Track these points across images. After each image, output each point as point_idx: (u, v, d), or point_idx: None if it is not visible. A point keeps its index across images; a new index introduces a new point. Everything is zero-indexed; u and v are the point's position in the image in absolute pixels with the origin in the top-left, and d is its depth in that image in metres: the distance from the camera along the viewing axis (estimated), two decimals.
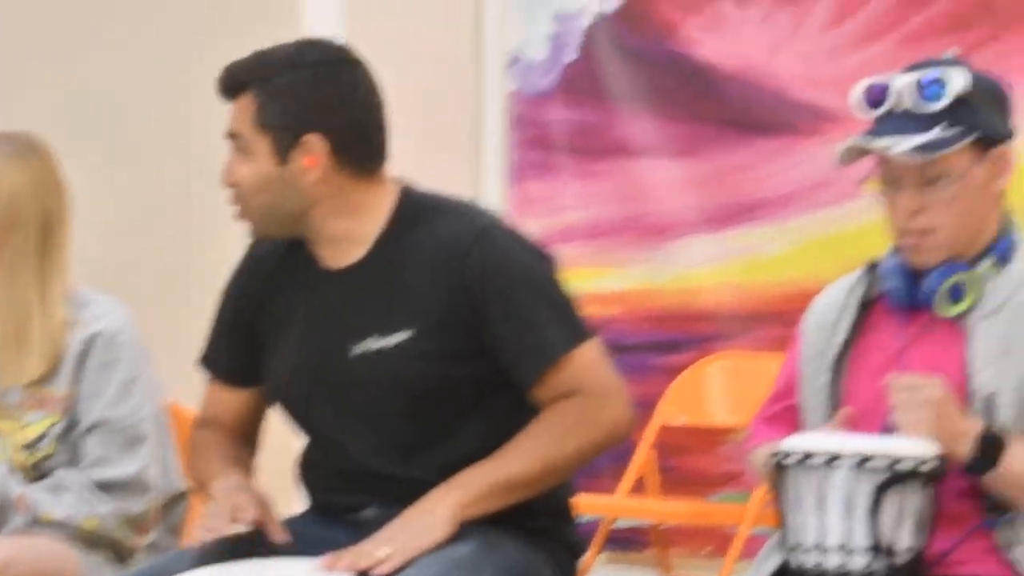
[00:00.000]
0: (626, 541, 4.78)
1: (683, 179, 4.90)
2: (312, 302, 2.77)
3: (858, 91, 2.62)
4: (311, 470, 2.83)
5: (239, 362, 2.86)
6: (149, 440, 3.09)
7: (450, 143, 5.22)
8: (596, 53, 5.00)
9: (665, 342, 4.91)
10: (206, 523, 2.64)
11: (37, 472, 3.06)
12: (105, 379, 3.07)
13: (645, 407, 4.50)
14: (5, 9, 4.97)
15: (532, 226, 5.10)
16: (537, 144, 5.14)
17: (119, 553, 3.06)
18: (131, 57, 4.96)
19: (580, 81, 5.03)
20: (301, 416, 2.80)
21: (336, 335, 2.72)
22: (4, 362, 3.07)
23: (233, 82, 2.73)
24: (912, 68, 2.60)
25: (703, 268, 4.89)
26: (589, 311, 4.83)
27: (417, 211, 2.75)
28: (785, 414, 2.70)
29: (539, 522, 2.74)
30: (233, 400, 2.87)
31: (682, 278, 4.89)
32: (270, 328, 2.81)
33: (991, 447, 2.42)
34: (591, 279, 4.98)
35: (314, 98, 2.70)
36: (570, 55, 5.05)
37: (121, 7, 5.00)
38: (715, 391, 4.67)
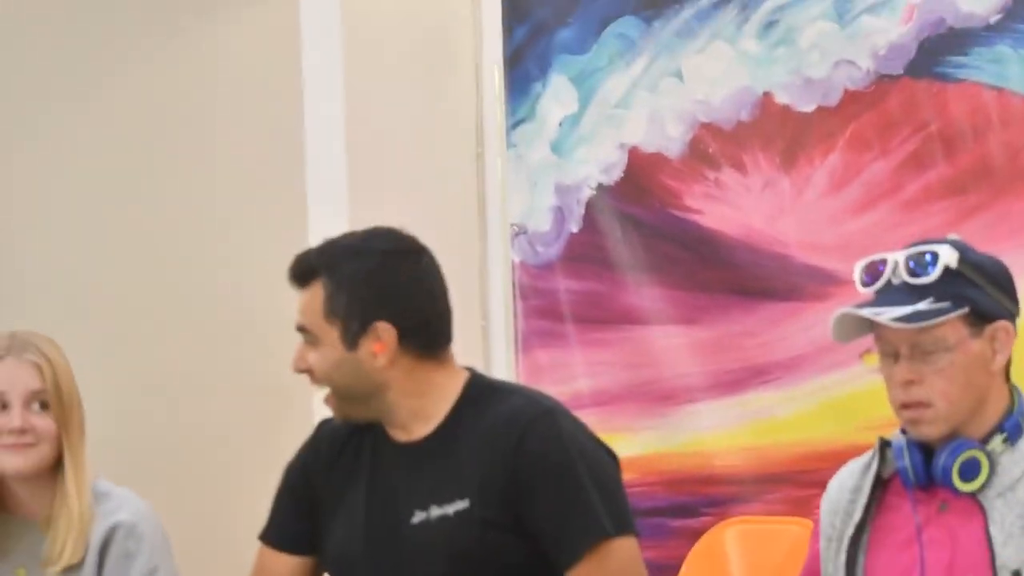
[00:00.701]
0: None
1: (690, 345, 4.94)
2: (376, 473, 2.84)
3: (859, 267, 2.69)
4: None
5: (295, 530, 2.92)
6: None
7: (458, 314, 5.23)
8: (599, 223, 5.07)
9: (681, 505, 4.92)
10: None
11: None
12: (126, 570, 3.10)
13: (666, 570, 4.54)
14: None
15: None
16: (544, 313, 5.19)
17: None
18: None
19: (584, 251, 5.08)
20: None
21: (398, 503, 2.79)
22: (62, 544, 3.10)
23: (303, 270, 2.84)
24: (911, 245, 2.66)
25: (715, 432, 4.91)
26: None
27: (485, 392, 2.85)
28: None
29: None
30: (285, 567, 2.91)
31: (694, 442, 4.92)
32: (331, 497, 2.87)
33: None
34: None
35: (381, 287, 2.80)
36: (573, 226, 5.11)
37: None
38: (733, 555, 4.68)
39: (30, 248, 4.92)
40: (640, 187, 4.99)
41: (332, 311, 2.80)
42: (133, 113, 5.00)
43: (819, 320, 4.72)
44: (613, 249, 5.05)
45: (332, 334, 2.80)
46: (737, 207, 4.88)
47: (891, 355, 2.60)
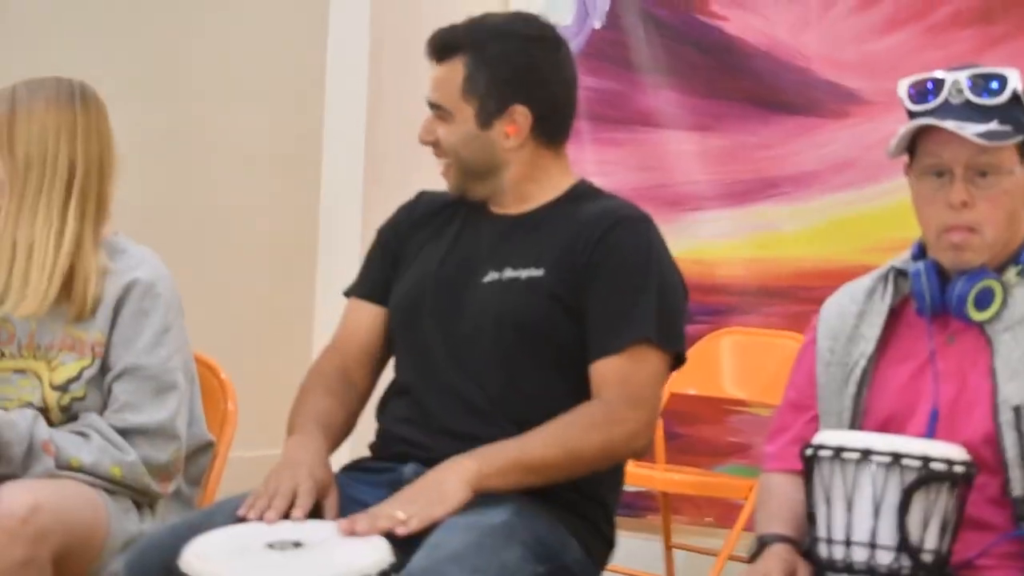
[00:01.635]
0: (629, 506, 4.80)
1: (703, 152, 4.93)
2: (463, 233, 2.93)
3: (906, 82, 2.61)
4: (386, 406, 2.93)
5: (380, 282, 2.99)
6: (178, 390, 3.11)
7: None
8: (622, 22, 5.03)
9: None
10: (256, 504, 2.66)
11: (67, 414, 3.09)
12: (139, 327, 3.09)
13: None
14: None
15: None
16: None
17: (143, 500, 3.08)
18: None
19: (605, 49, 5.05)
20: (408, 327, 2.90)
21: (476, 262, 2.86)
22: (5, 289, 3.08)
23: (445, 45, 2.86)
24: (956, 68, 2.60)
25: (720, 241, 4.92)
26: None
27: (591, 192, 2.93)
28: (804, 432, 2.67)
29: (578, 505, 2.79)
30: (369, 316, 2.98)
31: (698, 249, 4.92)
32: (412, 252, 2.96)
33: None
34: None
35: (524, 71, 2.85)
36: (596, 21, 5.06)
37: None
38: (727, 364, 4.70)
39: None
40: None
41: (471, 89, 2.84)
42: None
43: (834, 138, 4.73)
44: (634, 49, 5.02)
45: (467, 111, 2.85)
46: (763, 16, 4.83)
47: (940, 174, 2.54)
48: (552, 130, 2.89)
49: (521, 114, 2.85)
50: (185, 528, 2.64)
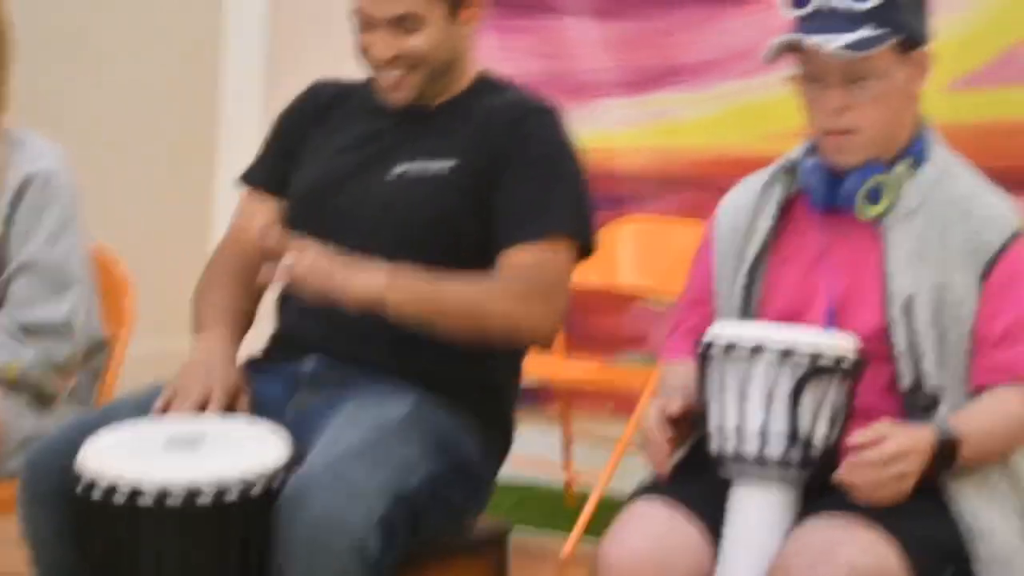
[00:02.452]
0: (528, 397, 4.81)
1: (605, 40, 4.92)
2: (370, 125, 2.88)
3: None
4: (286, 300, 2.90)
5: (277, 173, 2.95)
6: (78, 285, 3.08)
7: None
8: None
9: None
10: (171, 401, 2.67)
11: None
12: (37, 221, 3.05)
13: None
14: None
15: None
16: None
17: (40, 398, 3.06)
18: None
19: None
20: (308, 225, 2.83)
21: (384, 156, 2.83)
22: None
23: None
24: None
25: (620, 130, 4.93)
26: None
27: (497, 83, 2.91)
28: (701, 325, 2.68)
29: (476, 399, 2.80)
30: (265, 209, 2.93)
31: (598, 138, 4.90)
32: (315, 143, 2.92)
33: (946, 455, 2.44)
34: None
35: None
36: None
37: None
38: (626, 254, 4.71)
39: None
40: None
41: None
42: None
43: (734, 26, 4.75)
44: None
45: (437, 10, 2.80)
46: None
47: (819, 80, 2.57)
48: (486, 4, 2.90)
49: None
50: (85, 426, 2.63)
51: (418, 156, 2.81)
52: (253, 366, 2.86)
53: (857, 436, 2.41)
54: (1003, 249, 2.55)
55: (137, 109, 5.17)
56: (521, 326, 2.74)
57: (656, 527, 2.50)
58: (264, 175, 2.99)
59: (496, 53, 5.04)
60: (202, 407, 2.66)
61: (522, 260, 2.73)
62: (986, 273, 2.54)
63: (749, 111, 4.69)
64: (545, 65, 5.02)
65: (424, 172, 2.79)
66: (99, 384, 3.21)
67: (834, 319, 2.58)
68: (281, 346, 2.89)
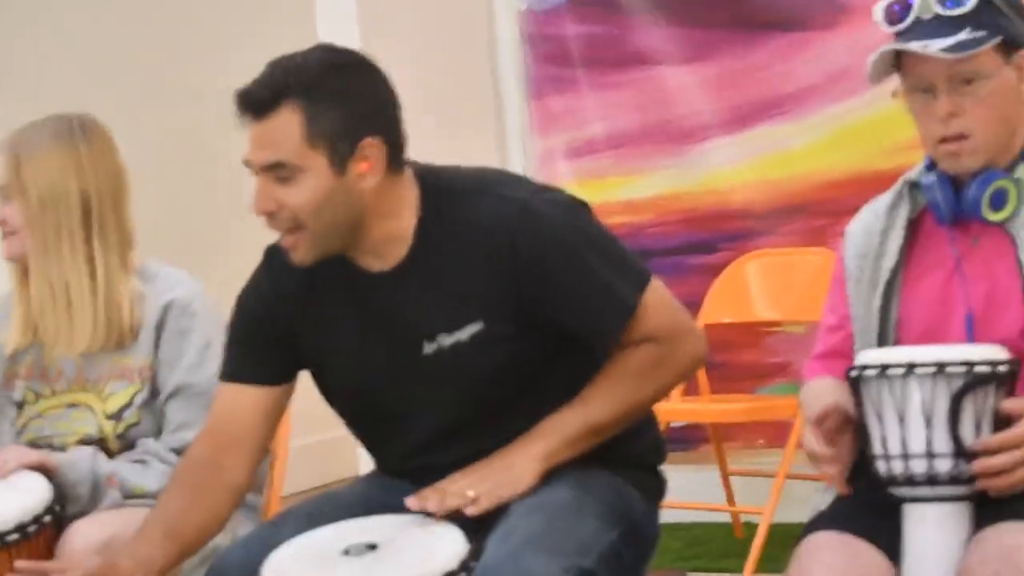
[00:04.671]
0: (679, 440, 4.88)
1: (701, 82, 4.95)
2: (366, 306, 2.70)
3: (880, 7, 2.65)
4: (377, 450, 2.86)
5: (268, 361, 2.78)
6: None
7: (467, 64, 5.26)
8: None
9: (700, 243, 4.99)
10: None
11: (124, 442, 3.15)
12: (182, 345, 3.15)
13: (689, 307, 4.56)
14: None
15: (556, 141, 5.19)
16: (553, 60, 5.20)
17: None
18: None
19: None
20: (365, 414, 2.78)
21: (402, 335, 2.68)
22: (55, 333, 3.15)
23: (264, 99, 2.53)
24: None
25: (730, 168, 4.95)
26: (620, 220, 4.97)
27: (441, 196, 2.66)
28: (840, 347, 2.72)
29: (626, 452, 2.79)
30: (256, 399, 2.78)
31: (710, 179, 4.96)
32: (315, 332, 2.75)
33: None
34: (619, 188, 5.07)
35: (366, 101, 2.58)
36: None
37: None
38: (757, 288, 4.75)
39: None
40: None
41: (316, 134, 2.52)
42: None
43: (828, 49, 4.76)
44: None
45: (317, 160, 2.54)
46: None
47: (926, 90, 2.58)
48: (400, 155, 2.63)
49: (373, 147, 2.56)
50: (257, 543, 2.66)
51: (438, 330, 2.66)
52: (379, 479, 2.84)
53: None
54: None
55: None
56: (676, 382, 2.76)
57: (839, 560, 2.49)
58: (244, 367, 2.79)
59: (595, 112, 5.11)
60: None
61: (630, 341, 2.69)
62: None
63: (857, 131, 4.69)
64: (646, 117, 5.06)
65: (458, 342, 2.67)
66: (267, 490, 3.28)
67: (977, 327, 2.58)
68: (405, 472, 2.78)
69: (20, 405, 3.25)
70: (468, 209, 2.64)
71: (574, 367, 2.72)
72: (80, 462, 3.07)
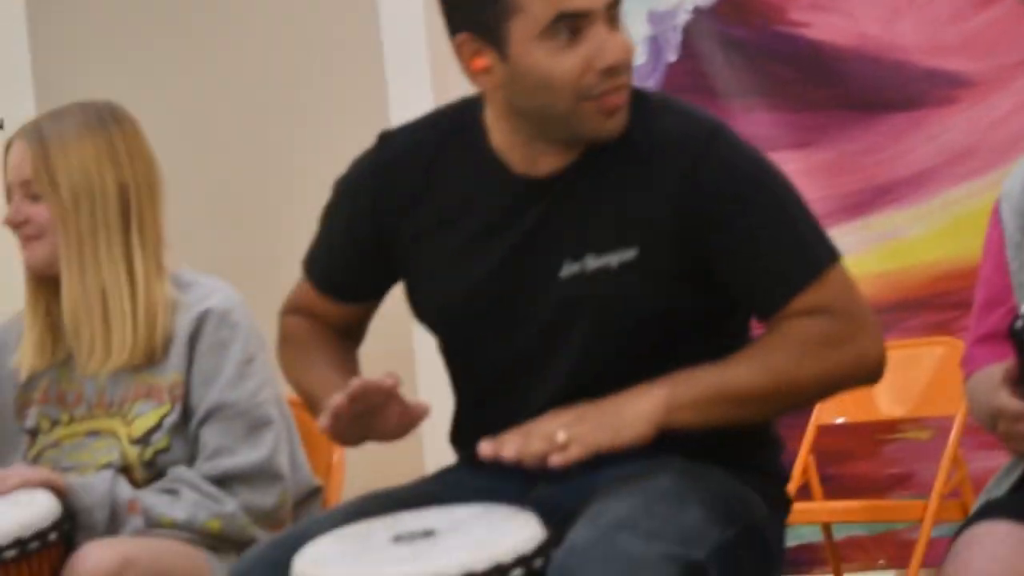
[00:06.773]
0: (792, 562, 4.42)
1: (809, 169, 4.60)
2: (495, 214, 2.31)
3: None
4: (465, 433, 2.40)
5: (352, 279, 2.45)
6: (274, 424, 2.75)
7: None
8: (698, 50, 4.74)
9: None
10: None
11: (152, 470, 2.75)
12: (219, 360, 2.75)
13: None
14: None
15: None
16: None
17: (244, 546, 2.69)
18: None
19: (685, 81, 4.74)
20: (470, 347, 2.36)
21: (540, 252, 2.28)
22: (90, 345, 2.77)
23: None
24: None
25: (844, 259, 4.59)
26: None
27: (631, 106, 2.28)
28: (1002, 326, 2.33)
29: (747, 448, 2.35)
30: (333, 310, 2.47)
31: None
32: (421, 240, 2.37)
33: None
34: None
35: None
36: (671, 55, 4.79)
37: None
38: (880, 385, 4.32)
39: None
40: (740, 5, 4.67)
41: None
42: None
43: (944, 128, 4.44)
44: (716, 76, 4.71)
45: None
46: (847, 14, 4.54)
47: None
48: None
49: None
50: (288, 541, 2.23)
51: (586, 249, 2.27)
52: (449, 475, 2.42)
53: None
54: None
55: None
56: (842, 374, 2.28)
57: (1003, 549, 2.19)
58: (331, 279, 2.47)
59: None
60: None
61: (799, 314, 2.24)
62: None
63: (978, 215, 4.34)
64: None
65: (605, 268, 2.27)
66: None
67: None
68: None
69: (33, 433, 2.85)
70: (649, 120, 2.28)
71: (722, 342, 2.28)
72: (97, 485, 2.67)
